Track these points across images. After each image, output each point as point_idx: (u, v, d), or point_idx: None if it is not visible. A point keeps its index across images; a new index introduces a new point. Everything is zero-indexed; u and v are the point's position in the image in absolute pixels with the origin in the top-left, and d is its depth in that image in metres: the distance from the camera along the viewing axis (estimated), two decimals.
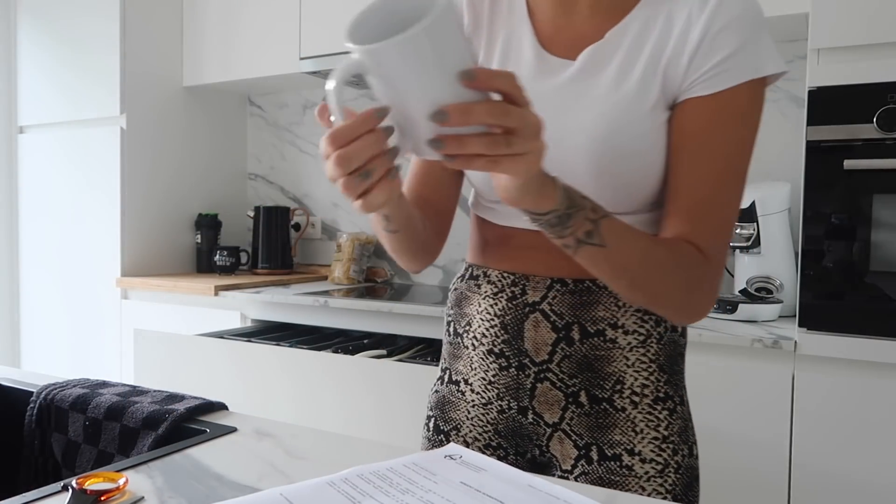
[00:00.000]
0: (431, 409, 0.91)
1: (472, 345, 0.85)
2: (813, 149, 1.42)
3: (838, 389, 1.39)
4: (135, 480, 0.63)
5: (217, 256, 2.58)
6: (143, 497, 0.60)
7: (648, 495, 0.77)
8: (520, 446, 0.84)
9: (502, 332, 0.82)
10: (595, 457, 0.79)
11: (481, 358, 0.84)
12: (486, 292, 0.84)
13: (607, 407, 0.79)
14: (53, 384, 0.91)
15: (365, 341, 1.97)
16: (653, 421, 0.79)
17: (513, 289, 0.82)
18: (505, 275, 0.83)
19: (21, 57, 2.81)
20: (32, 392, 0.91)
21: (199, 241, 2.73)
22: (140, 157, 2.57)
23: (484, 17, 0.84)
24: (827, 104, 1.41)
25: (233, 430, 0.78)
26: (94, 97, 2.58)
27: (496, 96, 0.55)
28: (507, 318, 0.82)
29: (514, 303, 0.81)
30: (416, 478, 0.61)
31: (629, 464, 0.78)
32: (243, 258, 2.68)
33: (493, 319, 0.83)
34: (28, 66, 2.79)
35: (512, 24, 0.82)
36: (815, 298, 1.42)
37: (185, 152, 2.74)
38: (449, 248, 2.42)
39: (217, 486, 0.63)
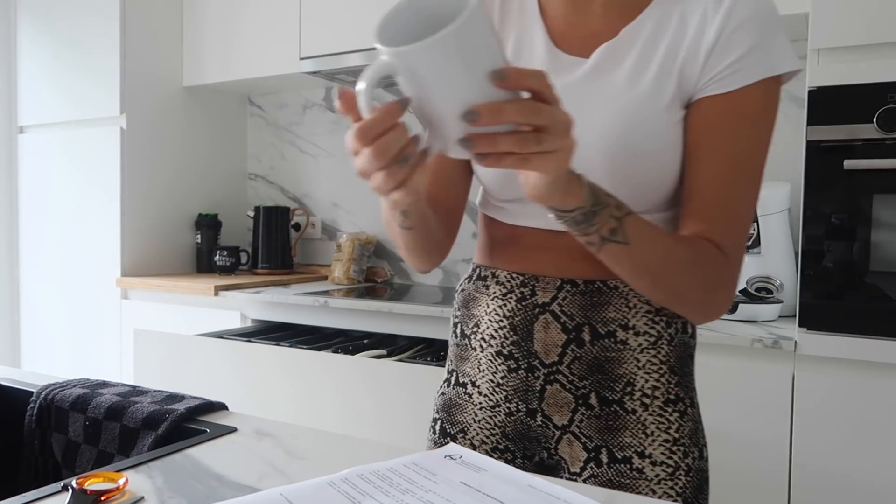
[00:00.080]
0: (438, 412, 0.90)
1: (481, 346, 0.85)
2: (813, 149, 1.42)
3: (838, 389, 1.39)
4: (135, 480, 0.63)
5: (217, 256, 2.58)
6: (143, 497, 0.60)
7: (659, 498, 0.76)
8: (527, 449, 0.83)
9: (511, 333, 0.81)
10: (605, 459, 0.78)
11: (489, 360, 0.83)
12: (494, 293, 0.84)
13: (618, 409, 0.78)
14: (53, 384, 0.91)
15: (365, 341, 1.97)
16: (663, 423, 0.78)
17: (522, 290, 0.81)
18: (514, 275, 0.82)
19: (21, 57, 2.81)
20: (32, 392, 0.91)
21: (199, 241, 2.73)
22: (140, 157, 2.57)
23: (495, 17, 0.84)
24: (827, 104, 1.41)
25: (233, 430, 0.78)
26: (94, 97, 2.58)
27: (525, 93, 0.55)
28: (517, 319, 0.81)
29: (523, 304, 0.81)
30: (416, 478, 0.61)
31: (639, 466, 0.77)
32: (243, 258, 2.68)
33: (502, 321, 0.82)
34: (28, 66, 2.79)
35: (523, 23, 0.82)
36: (815, 298, 1.42)
37: (185, 152, 2.74)
38: None
39: (217, 486, 0.62)
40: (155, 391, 0.89)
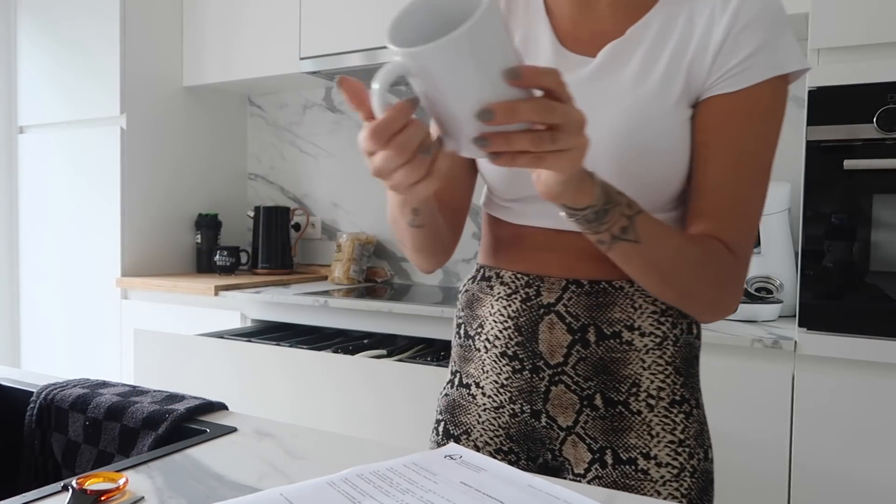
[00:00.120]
0: (441, 413, 0.90)
1: (485, 347, 0.84)
2: (813, 149, 1.42)
3: (838, 389, 1.39)
4: (135, 480, 0.63)
5: (217, 256, 2.58)
6: (143, 497, 0.60)
7: (664, 499, 0.76)
8: (531, 451, 0.83)
9: (516, 333, 0.81)
10: (609, 461, 0.78)
11: (494, 360, 0.83)
12: (499, 294, 0.83)
13: (623, 410, 0.78)
14: (53, 384, 0.91)
15: (365, 341, 1.97)
16: (669, 424, 0.78)
17: (527, 290, 0.81)
18: (519, 276, 0.82)
19: (21, 57, 2.81)
20: (32, 392, 0.91)
21: (199, 241, 2.73)
22: (140, 158, 2.57)
23: None
24: (827, 104, 1.41)
25: (233, 430, 0.78)
26: (94, 97, 2.58)
27: (538, 92, 0.55)
28: (522, 319, 0.80)
29: (528, 304, 0.80)
30: (416, 478, 0.61)
31: (644, 468, 0.77)
32: (243, 258, 2.68)
33: (506, 321, 0.82)
34: (28, 66, 2.79)
35: (529, 23, 0.82)
36: (815, 298, 1.42)
37: (185, 152, 2.74)
38: None
39: (217, 486, 0.62)
40: (155, 391, 0.89)
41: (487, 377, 0.84)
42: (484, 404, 0.84)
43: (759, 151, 0.74)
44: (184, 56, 2.69)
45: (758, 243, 1.71)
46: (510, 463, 0.83)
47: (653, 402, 0.78)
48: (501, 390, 0.82)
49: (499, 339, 0.82)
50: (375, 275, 2.57)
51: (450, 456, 0.67)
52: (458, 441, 0.86)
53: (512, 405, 0.82)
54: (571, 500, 0.57)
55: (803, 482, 1.41)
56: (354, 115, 2.70)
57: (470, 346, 0.87)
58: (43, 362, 2.78)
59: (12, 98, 2.84)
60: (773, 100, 0.74)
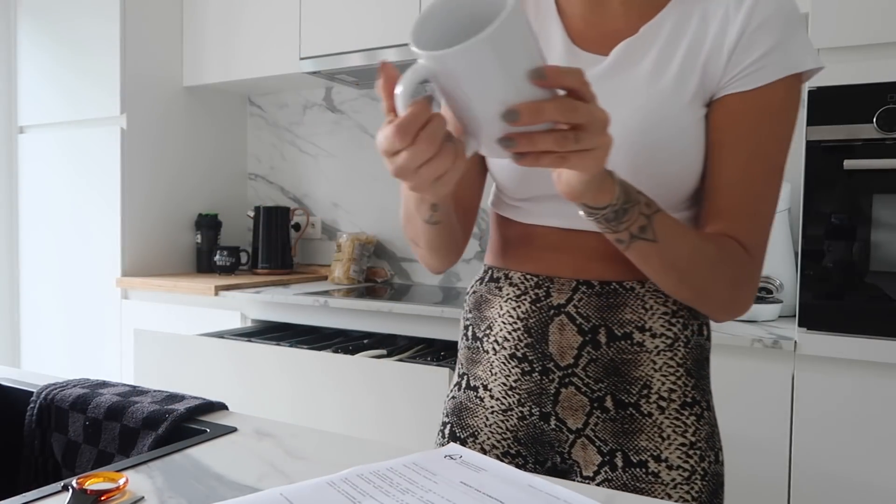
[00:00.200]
0: (447, 416, 0.89)
1: (493, 349, 0.83)
2: (813, 149, 1.42)
3: (838, 389, 1.39)
4: (135, 480, 0.63)
5: (217, 256, 2.58)
6: (143, 497, 0.60)
7: (675, 502, 0.76)
8: (540, 454, 0.82)
9: (526, 335, 0.80)
10: (620, 463, 0.77)
11: (503, 362, 0.82)
12: (508, 295, 0.83)
13: (633, 412, 0.77)
14: (53, 384, 0.91)
15: (365, 341, 1.97)
16: (680, 427, 0.77)
17: (536, 291, 0.80)
18: (528, 276, 0.81)
19: (21, 57, 2.81)
20: (32, 392, 0.91)
21: (199, 241, 2.73)
22: (140, 158, 2.57)
23: None
24: (827, 104, 1.41)
25: (233, 430, 0.78)
26: (94, 97, 2.58)
27: (560, 91, 0.55)
28: (531, 321, 0.80)
29: (538, 305, 0.80)
30: (416, 478, 0.61)
31: (655, 470, 0.76)
32: (243, 258, 2.68)
33: (515, 322, 0.81)
34: (28, 66, 2.79)
35: (540, 22, 0.82)
36: (814, 298, 1.42)
37: (186, 152, 2.74)
38: None
39: (217, 486, 0.62)
40: (155, 391, 0.89)
41: (496, 379, 0.83)
42: (492, 407, 0.83)
43: (773, 150, 0.74)
44: (184, 56, 2.69)
45: None
46: (517, 466, 0.82)
47: (664, 403, 0.77)
48: (510, 392, 0.82)
49: (508, 340, 0.82)
50: (375, 275, 2.57)
51: (450, 456, 0.67)
52: (464, 444, 0.85)
53: (521, 408, 0.81)
54: (571, 500, 0.57)
55: (803, 482, 1.41)
56: (355, 116, 2.70)
57: (478, 347, 0.86)
58: (43, 362, 2.78)
59: (12, 98, 2.85)
60: (787, 99, 0.74)
